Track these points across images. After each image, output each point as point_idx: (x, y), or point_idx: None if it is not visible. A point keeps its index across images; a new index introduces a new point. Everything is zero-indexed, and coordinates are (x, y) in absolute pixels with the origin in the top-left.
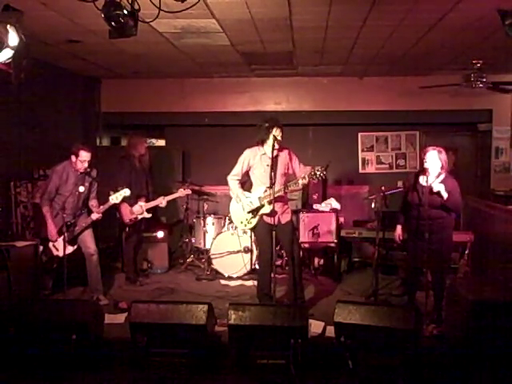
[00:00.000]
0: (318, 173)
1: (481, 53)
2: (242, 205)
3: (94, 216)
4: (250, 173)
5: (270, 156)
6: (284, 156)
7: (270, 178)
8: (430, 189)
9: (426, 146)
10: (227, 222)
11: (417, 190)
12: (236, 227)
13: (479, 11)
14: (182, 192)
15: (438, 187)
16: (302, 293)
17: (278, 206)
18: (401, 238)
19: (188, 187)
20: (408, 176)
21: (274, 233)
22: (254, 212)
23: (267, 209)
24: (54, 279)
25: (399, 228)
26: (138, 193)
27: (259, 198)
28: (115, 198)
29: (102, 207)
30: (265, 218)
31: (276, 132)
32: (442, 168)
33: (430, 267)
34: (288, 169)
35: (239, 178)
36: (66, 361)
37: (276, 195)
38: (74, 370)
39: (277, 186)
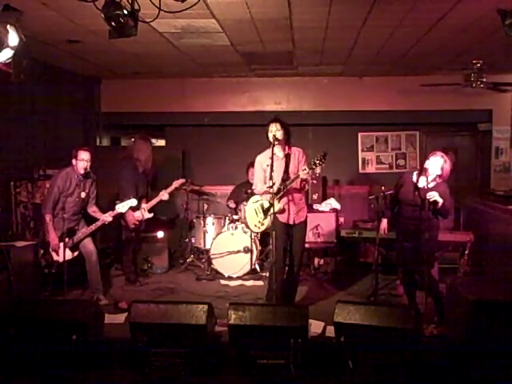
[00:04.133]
0: (318, 161)
1: (481, 53)
2: (255, 208)
3: (108, 218)
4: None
5: (281, 156)
6: (296, 155)
7: (270, 178)
8: (423, 191)
9: (435, 149)
10: (227, 221)
11: (413, 190)
12: (236, 227)
13: (479, 11)
14: (176, 182)
15: (432, 196)
16: (294, 296)
17: (291, 205)
18: (386, 231)
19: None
20: (403, 174)
21: (288, 233)
22: (266, 212)
23: (277, 208)
24: (52, 283)
25: (385, 221)
26: (141, 195)
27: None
28: (121, 207)
29: (111, 212)
30: (279, 217)
31: (272, 128)
32: (440, 176)
33: (423, 268)
34: (298, 168)
35: (264, 187)
36: (66, 361)
37: (279, 195)
38: (73, 370)
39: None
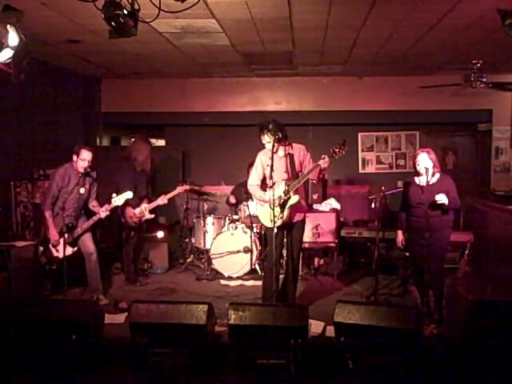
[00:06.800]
0: (337, 149)
1: (481, 53)
2: (268, 205)
3: (103, 214)
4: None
5: (282, 155)
6: (297, 153)
7: (271, 178)
8: (427, 188)
9: (416, 150)
10: (227, 221)
11: (415, 190)
12: (236, 227)
13: (479, 11)
14: (180, 188)
15: (440, 199)
16: (293, 295)
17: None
18: (403, 243)
19: (187, 184)
20: (409, 178)
21: (285, 231)
22: (283, 206)
23: (294, 199)
24: (53, 280)
25: (400, 233)
26: (140, 194)
27: (284, 191)
28: (118, 200)
29: (107, 206)
30: None
31: (264, 140)
32: (434, 167)
33: (428, 266)
34: (302, 166)
35: (259, 183)
36: (66, 361)
37: (295, 187)
38: (73, 370)
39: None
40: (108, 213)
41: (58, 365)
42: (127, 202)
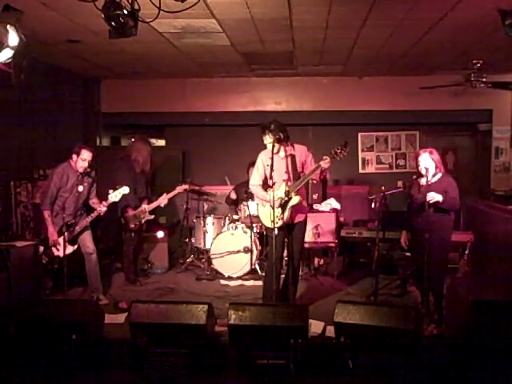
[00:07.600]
0: (339, 150)
1: (481, 53)
2: (269, 205)
3: (102, 208)
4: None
5: (282, 156)
6: (299, 154)
7: (271, 178)
8: (426, 188)
9: (418, 150)
10: (227, 221)
11: (416, 190)
12: (236, 227)
13: (479, 11)
14: (180, 188)
15: (432, 197)
16: (294, 295)
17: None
18: (407, 243)
19: (187, 184)
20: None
21: (286, 232)
22: (284, 207)
23: (295, 200)
24: (54, 279)
25: (404, 234)
26: (140, 195)
27: (285, 192)
28: (114, 196)
29: (104, 202)
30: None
31: (266, 140)
32: (436, 168)
33: (428, 266)
34: (304, 167)
35: (261, 183)
36: (66, 361)
37: (296, 188)
38: (73, 370)
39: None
40: (105, 209)
41: (58, 365)
42: (127, 204)
